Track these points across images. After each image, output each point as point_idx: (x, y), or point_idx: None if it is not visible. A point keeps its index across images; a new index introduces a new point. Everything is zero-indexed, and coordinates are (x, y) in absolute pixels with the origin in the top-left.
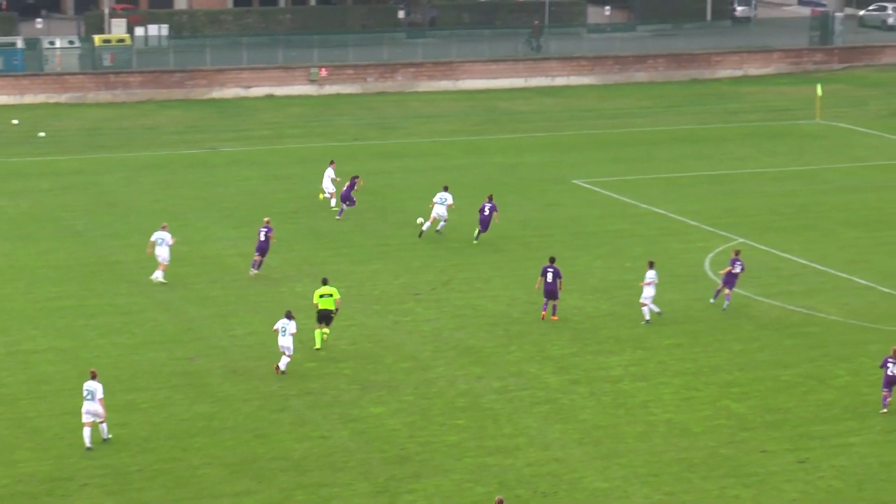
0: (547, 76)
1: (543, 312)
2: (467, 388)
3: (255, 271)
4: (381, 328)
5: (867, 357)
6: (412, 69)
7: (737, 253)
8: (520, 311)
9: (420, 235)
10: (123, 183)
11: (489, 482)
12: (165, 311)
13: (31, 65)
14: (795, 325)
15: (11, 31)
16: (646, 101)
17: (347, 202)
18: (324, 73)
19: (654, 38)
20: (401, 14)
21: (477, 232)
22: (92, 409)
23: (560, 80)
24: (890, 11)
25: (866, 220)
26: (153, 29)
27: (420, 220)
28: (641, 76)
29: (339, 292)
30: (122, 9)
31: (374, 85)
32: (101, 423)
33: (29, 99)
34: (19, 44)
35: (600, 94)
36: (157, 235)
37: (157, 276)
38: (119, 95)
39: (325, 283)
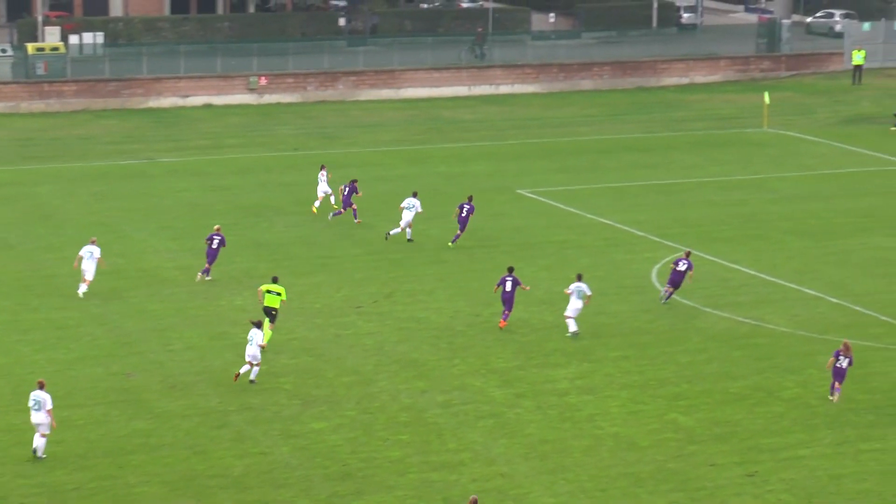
0: (491, 84)
1: (502, 322)
2: (410, 403)
3: (206, 277)
4: (323, 342)
5: (816, 369)
6: (353, 77)
7: (687, 254)
8: (464, 324)
9: (386, 238)
10: (58, 195)
11: (433, 498)
12: (102, 326)
13: None
14: (744, 337)
15: None
16: (591, 110)
17: (345, 207)
18: (263, 81)
19: (600, 45)
20: (341, 21)
21: (455, 236)
22: (38, 419)
23: (504, 89)
24: (837, 18)
25: (815, 229)
26: (88, 37)
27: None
28: (586, 84)
29: (286, 295)
30: (56, 16)
31: (314, 94)
32: (43, 436)
33: None
34: None
35: (545, 103)
36: (86, 249)
37: (82, 289)
38: (53, 105)
39: (274, 280)
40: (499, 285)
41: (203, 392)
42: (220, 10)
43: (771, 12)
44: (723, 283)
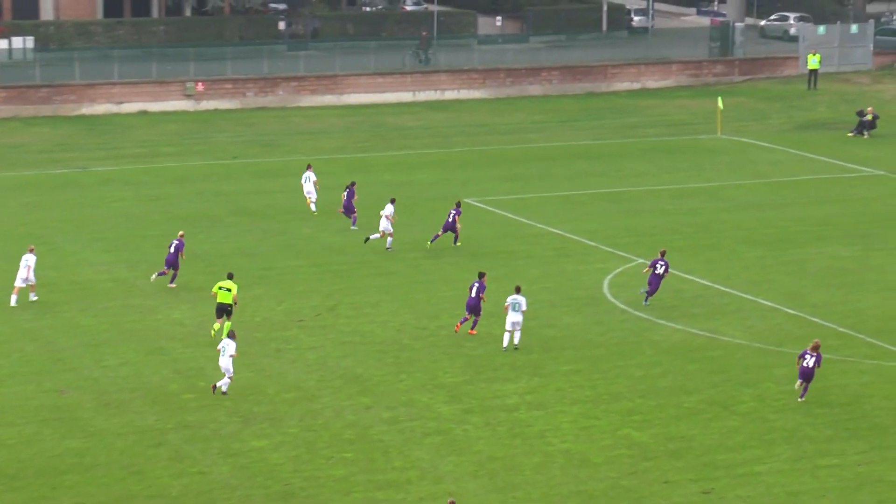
0: (436, 90)
1: (458, 325)
2: (355, 419)
3: (171, 284)
4: (263, 357)
5: (772, 382)
6: (294, 83)
7: (662, 253)
8: (410, 337)
9: (365, 241)
10: None
11: None
12: (33, 341)
13: None
14: (698, 350)
15: None
16: (540, 116)
17: (350, 212)
18: (200, 87)
19: (548, 49)
20: (281, 25)
21: (434, 236)
22: None
23: (450, 94)
24: (792, 22)
25: (770, 238)
26: (17, 41)
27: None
28: (535, 89)
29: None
30: None
31: (253, 100)
32: None
33: None
34: None
35: (492, 109)
36: (26, 258)
37: (31, 297)
38: None
39: (229, 277)
40: (469, 289)
41: (139, 409)
42: (155, 13)
43: (724, 15)
44: (676, 295)
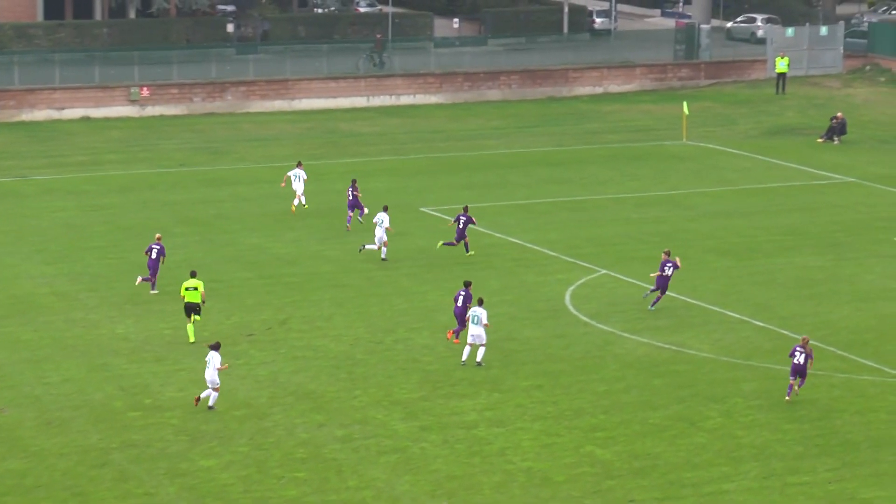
0: (391, 95)
1: (450, 333)
2: (308, 438)
3: (152, 291)
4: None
5: (741, 397)
6: (243, 88)
7: (667, 253)
8: (364, 352)
9: (360, 250)
10: None
11: None
12: None
13: None
14: (664, 364)
15: None
16: (498, 121)
17: (359, 210)
18: (145, 92)
19: (507, 52)
20: (230, 27)
21: (442, 242)
22: None
23: (405, 99)
24: (759, 23)
25: (737, 248)
26: None
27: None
28: (493, 94)
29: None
30: None
31: (201, 105)
32: None
33: None
34: None
35: (449, 114)
36: None
37: None
38: None
39: (193, 275)
40: (454, 299)
41: (82, 428)
42: (97, 15)
43: (689, 17)
44: (640, 306)
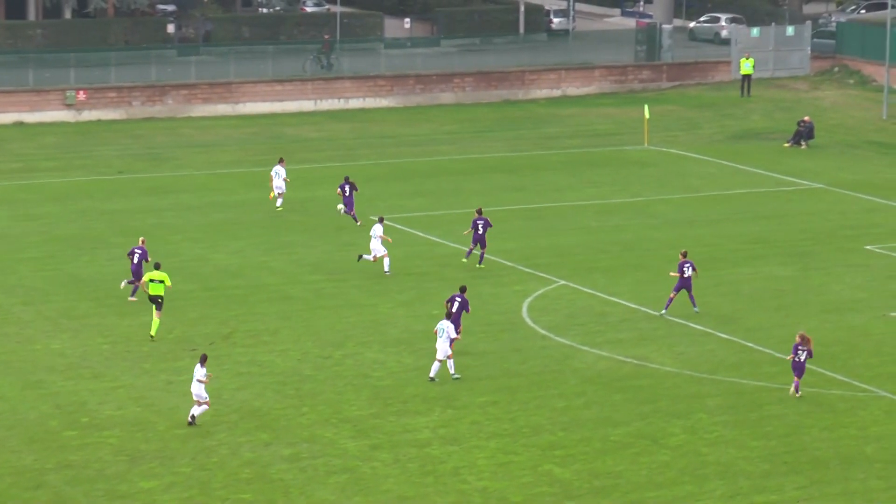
0: (339, 98)
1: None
2: (253, 457)
3: (131, 298)
4: (152, 389)
5: (705, 412)
6: (184, 91)
7: (684, 255)
8: (312, 368)
9: (358, 259)
10: None
11: None
12: None
13: None
14: (625, 378)
15: None
16: (452, 126)
17: (350, 210)
18: (82, 96)
19: (461, 54)
20: (170, 28)
21: (469, 251)
22: None
23: (354, 103)
24: (723, 23)
25: (701, 257)
26: None
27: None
28: (447, 97)
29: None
30: None
31: (140, 109)
32: None
33: None
34: None
35: (400, 118)
36: None
37: None
38: None
39: (157, 267)
40: (447, 302)
41: (15, 448)
42: (31, 15)
43: (650, 16)
44: (601, 319)
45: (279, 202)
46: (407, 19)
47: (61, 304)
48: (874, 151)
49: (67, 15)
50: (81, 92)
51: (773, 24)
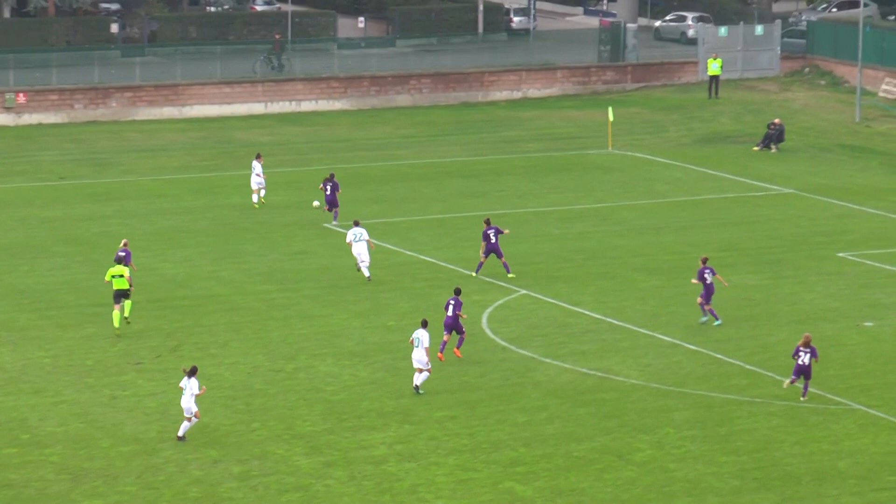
0: (291, 100)
1: (441, 354)
2: (201, 475)
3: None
4: (96, 405)
5: (672, 427)
6: (129, 93)
7: (704, 261)
8: (263, 381)
9: (358, 270)
10: None
11: None
12: None
13: None
14: (589, 391)
15: None
16: (408, 129)
17: (331, 208)
18: (21, 99)
19: (417, 54)
20: (114, 28)
21: (479, 265)
22: None
23: (307, 105)
24: (690, 23)
25: (668, 266)
26: None
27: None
28: (403, 100)
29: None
30: None
31: (83, 112)
32: None
33: None
34: None
35: (354, 122)
36: None
37: None
38: None
39: (117, 262)
40: (445, 308)
41: None
42: None
43: (614, 15)
44: (563, 329)
45: (262, 193)
46: (361, 18)
47: (0, 315)
48: (846, 155)
49: (6, 14)
50: (21, 94)
51: (742, 23)
